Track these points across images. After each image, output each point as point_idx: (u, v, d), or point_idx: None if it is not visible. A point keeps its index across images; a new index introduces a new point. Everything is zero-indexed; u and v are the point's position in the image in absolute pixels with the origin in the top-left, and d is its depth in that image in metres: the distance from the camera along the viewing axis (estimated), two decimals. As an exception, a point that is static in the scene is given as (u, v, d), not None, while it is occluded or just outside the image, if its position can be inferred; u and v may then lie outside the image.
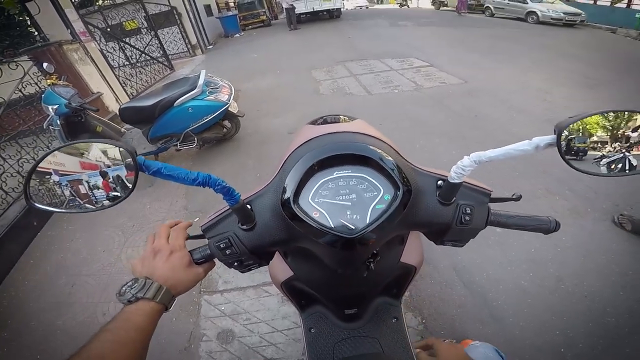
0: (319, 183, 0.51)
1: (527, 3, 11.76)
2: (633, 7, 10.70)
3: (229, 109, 3.32)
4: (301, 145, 0.59)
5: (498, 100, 4.36)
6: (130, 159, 0.45)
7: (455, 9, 15.46)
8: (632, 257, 1.94)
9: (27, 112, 3.57)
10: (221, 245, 0.56)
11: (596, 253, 2.00)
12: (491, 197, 0.58)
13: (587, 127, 0.46)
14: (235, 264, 0.60)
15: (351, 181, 0.51)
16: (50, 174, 0.46)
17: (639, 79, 4.98)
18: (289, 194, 0.50)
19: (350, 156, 0.51)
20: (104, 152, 0.46)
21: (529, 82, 5.01)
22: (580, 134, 0.46)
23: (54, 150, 0.46)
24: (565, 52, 6.91)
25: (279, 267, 0.85)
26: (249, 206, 0.56)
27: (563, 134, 0.44)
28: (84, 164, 0.46)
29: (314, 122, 0.78)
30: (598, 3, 12.13)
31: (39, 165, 0.46)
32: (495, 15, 13.73)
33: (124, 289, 0.50)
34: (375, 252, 0.61)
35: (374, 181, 0.51)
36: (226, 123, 3.70)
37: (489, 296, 1.82)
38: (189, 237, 0.61)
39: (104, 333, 0.43)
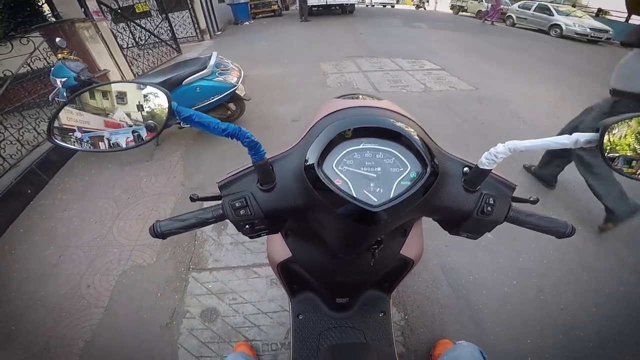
0: (345, 151, 0.50)
1: (553, 15, 11.49)
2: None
3: (236, 91, 3.34)
4: (330, 114, 0.58)
5: (507, 110, 4.32)
6: (151, 121, 0.49)
7: (478, 16, 15.01)
8: (610, 276, 1.97)
9: (33, 85, 3.63)
10: (236, 204, 0.55)
11: (578, 269, 2.03)
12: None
13: (631, 128, 0.44)
14: (247, 226, 0.58)
15: (378, 154, 0.50)
16: (74, 130, 0.49)
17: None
18: (313, 158, 0.49)
19: (381, 130, 0.50)
20: (128, 114, 0.49)
21: (540, 96, 4.94)
22: (623, 134, 0.45)
23: (92, 87, 0.49)
24: (582, 69, 6.81)
25: (278, 247, 0.85)
26: (271, 166, 0.55)
27: (606, 133, 0.43)
28: (107, 123, 0.49)
29: (341, 97, 0.77)
30: (630, 21, 11.64)
31: (64, 123, 0.49)
32: (516, 25, 13.48)
33: None
34: (379, 239, 0.62)
35: (401, 157, 0.50)
36: (231, 105, 3.71)
37: (472, 299, 1.84)
38: (199, 199, 0.60)
39: None
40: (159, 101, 0.48)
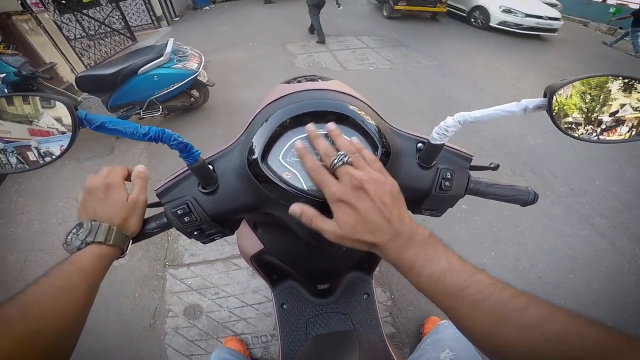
0: (292, 141, 0.47)
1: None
2: (608, 2, 11.24)
3: (198, 77, 3.22)
4: (273, 102, 0.54)
5: (470, 83, 4.48)
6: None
7: None
8: (582, 241, 2.08)
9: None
10: (178, 212, 0.50)
11: (551, 235, 2.12)
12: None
13: (576, 89, 0.45)
14: (196, 233, 0.54)
15: (327, 140, 0.47)
16: None
17: (600, 70, 5.27)
18: (257, 152, 0.46)
19: (327, 114, 0.48)
20: (58, 119, 0.41)
21: (500, 68, 5.17)
22: (569, 96, 0.45)
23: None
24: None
25: (249, 239, 0.81)
26: (210, 166, 0.51)
27: (554, 97, 0.43)
28: (33, 131, 0.41)
29: (287, 82, 0.73)
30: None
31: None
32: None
33: (69, 237, 0.44)
34: None
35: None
36: (194, 92, 3.57)
37: (454, 273, 1.88)
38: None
39: (43, 278, 0.38)
40: (63, 112, 0.40)
